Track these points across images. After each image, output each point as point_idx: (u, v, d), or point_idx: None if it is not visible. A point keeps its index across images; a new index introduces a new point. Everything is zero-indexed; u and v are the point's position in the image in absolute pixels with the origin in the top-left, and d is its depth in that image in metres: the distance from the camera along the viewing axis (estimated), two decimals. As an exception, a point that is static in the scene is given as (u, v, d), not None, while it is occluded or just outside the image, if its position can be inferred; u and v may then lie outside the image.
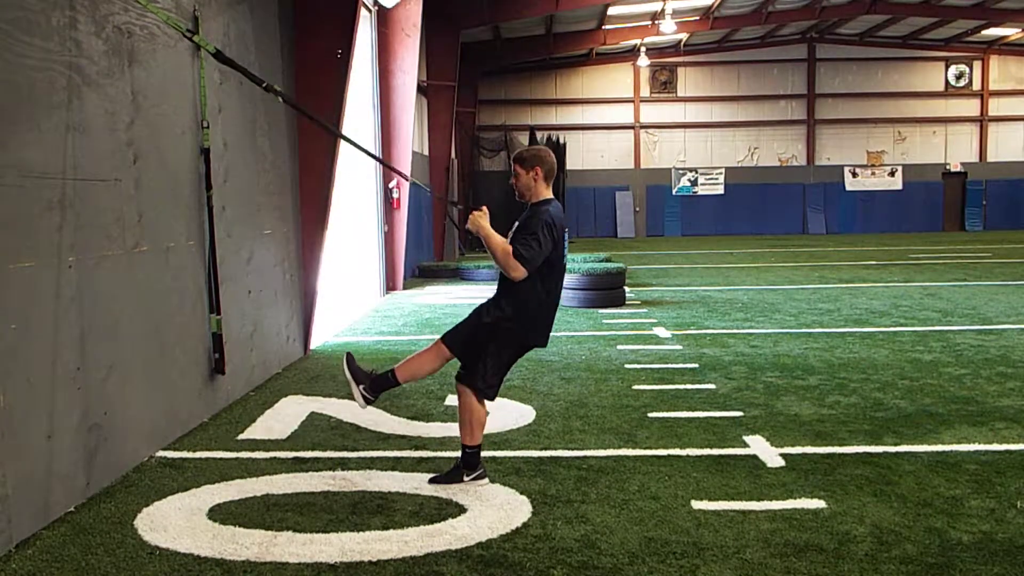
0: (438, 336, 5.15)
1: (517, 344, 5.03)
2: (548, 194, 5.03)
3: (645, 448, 5.75)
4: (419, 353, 5.17)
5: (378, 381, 5.09)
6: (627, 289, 13.58)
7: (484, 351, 4.95)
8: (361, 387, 5.07)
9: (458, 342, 5.05)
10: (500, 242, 4.91)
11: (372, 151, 6.33)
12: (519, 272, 4.80)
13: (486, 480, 5.09)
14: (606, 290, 12.78)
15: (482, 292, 14.68)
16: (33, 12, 4.48)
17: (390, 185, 15.26)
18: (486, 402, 5.06)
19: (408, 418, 6.59)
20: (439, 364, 5.11)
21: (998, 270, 17.45)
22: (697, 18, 27.29)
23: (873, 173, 32.76)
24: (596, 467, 5.37)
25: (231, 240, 7.12)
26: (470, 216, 4.98)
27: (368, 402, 5.10)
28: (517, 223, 5.00)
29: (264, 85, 5.59)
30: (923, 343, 9.43)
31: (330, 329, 10.76)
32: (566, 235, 5.04)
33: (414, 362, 5.13)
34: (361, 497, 4.90)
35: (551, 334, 5.21)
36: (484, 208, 5.07)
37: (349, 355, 5.21)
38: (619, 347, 9.44)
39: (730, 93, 32.53)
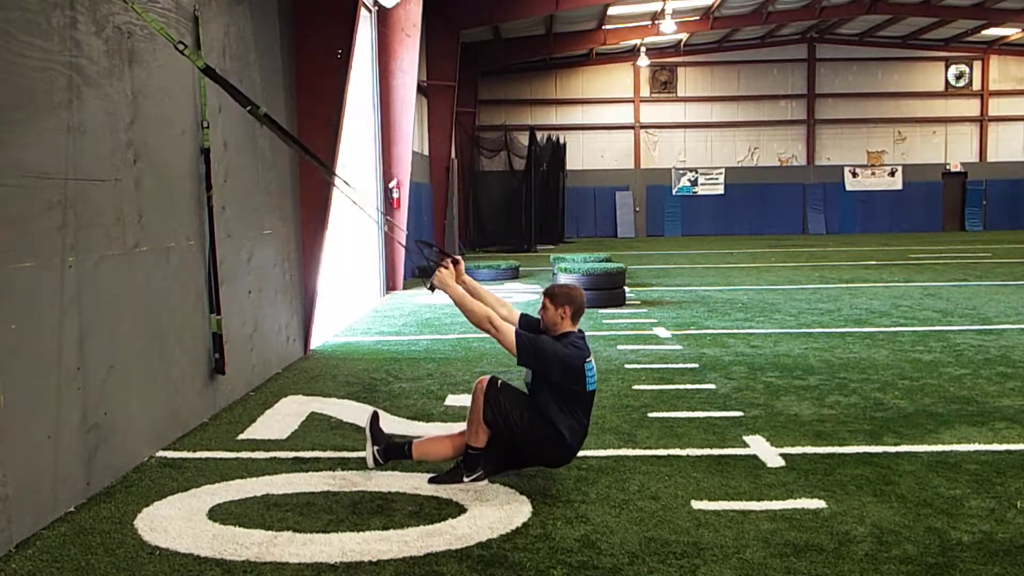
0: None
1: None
2: (573, 329, 4.98)
3: (645, 448, 5.75)
4: (440, 437, 5.24)
5: (392, 449, 5.14)
6: (627, 289, 13.58)
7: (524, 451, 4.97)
8: (375, 448, 5.12)
9: (492, 461, 5.06)
10: (476, 305, 4.83)
11: (348, 186, 6.26)
12: (501, 340, 4.76)
13: (485, 481, 5.09)
14: (606, 290, 12.78)
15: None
16: (33, 12, 4.48)
17: (390, 185, 15.26)
18: None
19: (408, 418, 6.59)
20: (456, 455, 5.13)
21: (998, 270, 17.45)
22: (697, 18, 27.30)
23: (873, 173, 32.77)
24: (596, 467, 5.37)
25: (231, 240, 7.12)
26: (437, 272, 4.89)
27: (377, 465, 5.15)
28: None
29: (248, 108, 5.48)
30: (923, 343, 9.43)
31: (330, 329, 10.76)
32: (590, 365, 4.91)
33: (433, 446, 5.18)
34: (361, 497, 4.90)
35: None
36: (455, 261, 4.99)
37: (376, 413, 5.25)
38: (619, 347, 9.44)
39: (730, 93, 32.54)
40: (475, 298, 5.01)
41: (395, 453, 5.14)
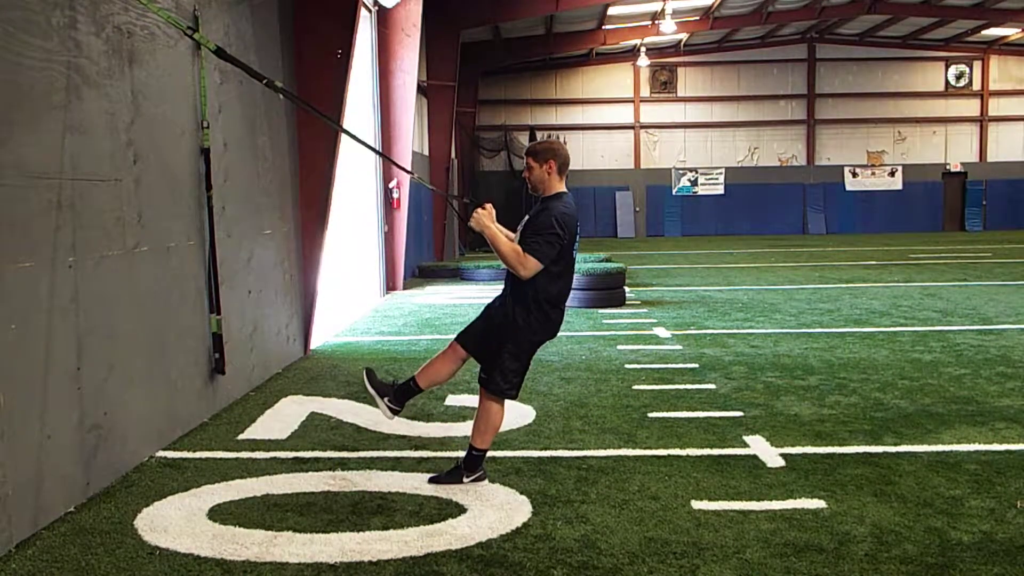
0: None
1: (532, 342, 5.01)
2: (562, 187, 5.00)
3: (645, 448, 5.75)
4: (436, 357, 5.19)
5: (401, 391, 5.13)
6: (627, 289, 13.58)
7: (501, 352, 4.93)
8: (386, 399, 5.11)
9: (472, 341, 5.07)
10: (506, 241, 4.89)
11: (374, 146, 6.37)
12: (528, 272, 4.79)
13: (485, 481, 5.09)
14: (606, 290, 12.78)
15: (482, 292, 14.68)
16: (33, 12, 4.48)
17: (390, 185, 15.26)
18: (510, 401, 5.08)
19: (408, 418, 6.59)
20: (457, 365, 5.14)
21: (998, 270, 17.45)
22: (697, 18, 27.28)
23: (873, 173, 32.76)
24: (596, 467, 5.37)
25: (231, 240, 7.12)
26: (474, 213, 4.92)
27: (395, 413, 5.14)
28: (527, 217, 4.98)
29: (265, 81, 5.59)
30: (923, 343, 9.43)
31: (330, 329, 10.76)
32: (578, 228, 5.00)
33: (433, 367, 5.15)
34: (361, 497, 4.90)
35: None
36: (489, 205, 5.04)
37: (369, 370, 5.23)
38: (619, 347, 9.44)
39: (730, 93, 32.53)
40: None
41: (405, 393, 5.12)
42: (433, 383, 5.19)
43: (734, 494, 4.85)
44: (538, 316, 4.93)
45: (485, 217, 4.92)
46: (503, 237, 4.93)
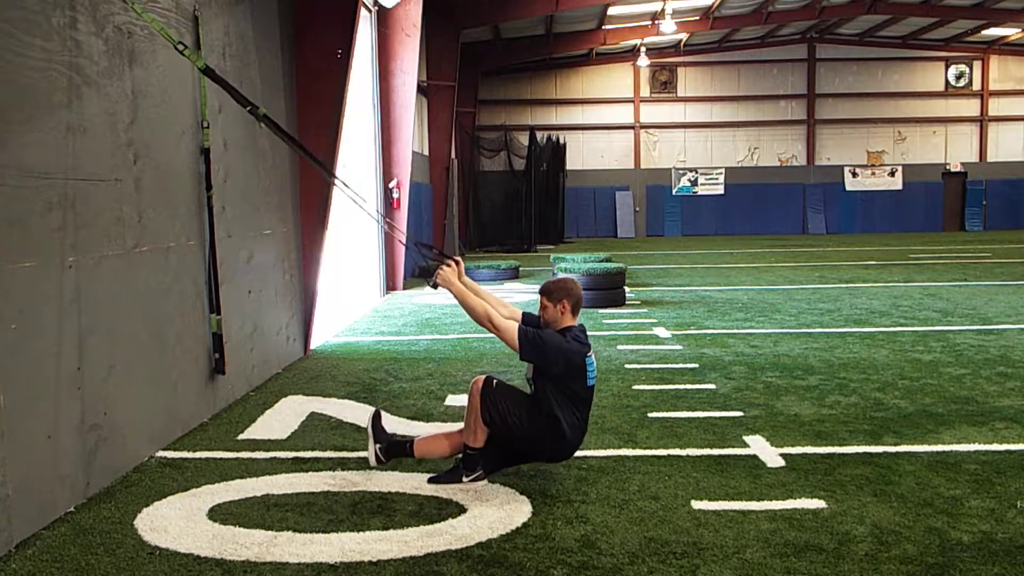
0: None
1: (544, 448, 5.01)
2: (573, 323, 4.97)
3: (645, 448, 5.75)
4: (441, 435, 5.22)
5: (395, 447, 5.15)
6: (627, 289, 13.58)
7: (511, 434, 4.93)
8: (378, 446, 5.12)
9: (491, 457, 5.07)
10: (477, 301, 4.84)
11: (349, 188, 6.33)
12: (502, 336, 4.77)
13: (485, 481, 5.09)
14: (606, 290, 12.78)
15: (482, 292, 14.68)
16: (33, 12, 4.48)
17: (390, 185, 15.26)
18: None
19: (408, 418, 6.59)
20: (455, 452, 5.14)
21: (998, 270, 17.45)
22: (697, 18, 27.30)
23: (873, 173, 32.77)
24: (596, 467, 5.37)
25: (231, 240, 7.12)
26: (439, 271, 4.88)
27: (379, 463, 5.15)
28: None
29: (248, 108, 5.49)
30: (923, 343, 9.43)
31: (330, 329, 10.76)
32: (590, 360, 4.92)
33: (434, 443, 5.17)
34: (361, 497, 4.90)
35: None
36: (455, 261, 4.99)
37: (378, 412, 5.26)
38: (619, 347, 9.44)
39: (730, 93, 32.55)
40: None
41: (397, 451, 5.15)
42: (427, 457, 5.23)
43: (734, 494, 4.85)
44: (561, 443, 4.90)
45: (451, 275, 4.89)
46: (472, 296, 4.88)
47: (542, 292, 5.01)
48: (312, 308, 9.18)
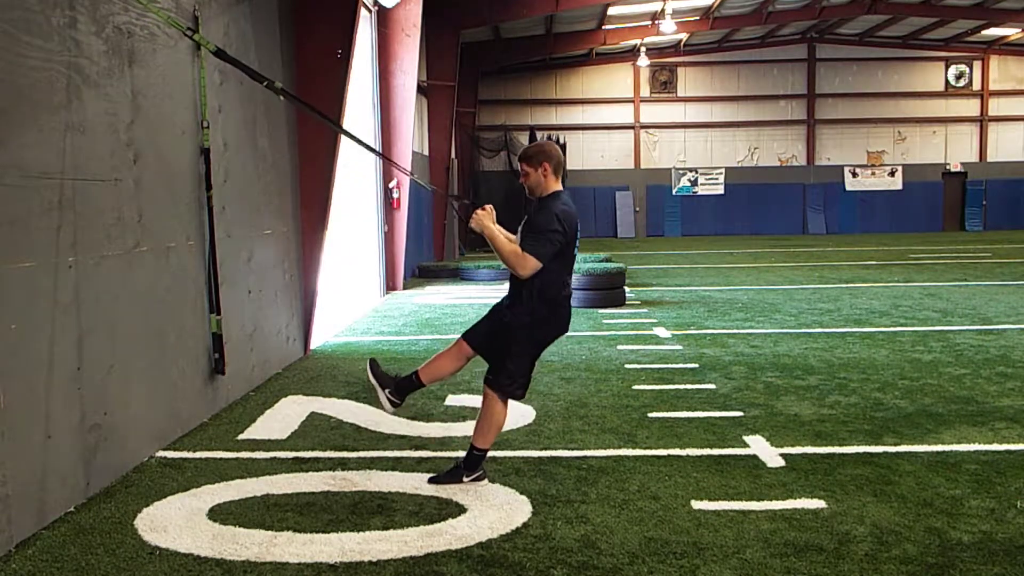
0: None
1: (539, 342, 5.01)
2: (558, 187, 5.00)
3: (645, 448, 5.75)
4: (441, 353, 5.19)
5: (403, 384, 5.12)
6: (627, 289, 13.58)
7: (508, 352, 4.93)
8: (387, 391, 5.10)
9: (479, 339, 5.07)
10: (506, 241, 4.90)
11: (374, 147, 6.43)
12: (527, 272, 4.79)
13: (485, 481, 5.09)
14: (606, 290, 12.78)
15: (482, 292, 14.69)
16: (33, 12, 4.48)
17: (390, 185, 15.26)
18: (511, 402, 5.07)
19: (408, 418, 6.59)
20: (462, 363, 5.13)
21: (998, 270, 17.45)
22: (697, 18, 27.28)
23: (873, 173, 32.76)
24: (596, 467, 5.37)
25: (231, 240, 7.12)
26: (474, 214, 4.94)
27: (395, 406, 5.13)
28: (527, 217, 4.98)
29: (265, 83, 5.59)
30: (923, 343, 9.43)
31: (330, 329, 10.76)
32: (578, 225, 4.99)
33: (437, 362, 5.15)
34: (361, 497, 4.90)
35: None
36: (489, 206, 5.05)
37: (373, 360, 5.23)
38: (619, 347, 9.44)
39: (730, 93, 32.54)
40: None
41: (406, 387, 5.11)
42: (435, 379, 5.19)
43: (734, 494, 4.85)
44: (544, 313, 4.93)
45: (485, 217, 4.93)
46: (502, 237, 4.94)
47: (521, 159, 5.02)
48: (312, 308, 9.19)
